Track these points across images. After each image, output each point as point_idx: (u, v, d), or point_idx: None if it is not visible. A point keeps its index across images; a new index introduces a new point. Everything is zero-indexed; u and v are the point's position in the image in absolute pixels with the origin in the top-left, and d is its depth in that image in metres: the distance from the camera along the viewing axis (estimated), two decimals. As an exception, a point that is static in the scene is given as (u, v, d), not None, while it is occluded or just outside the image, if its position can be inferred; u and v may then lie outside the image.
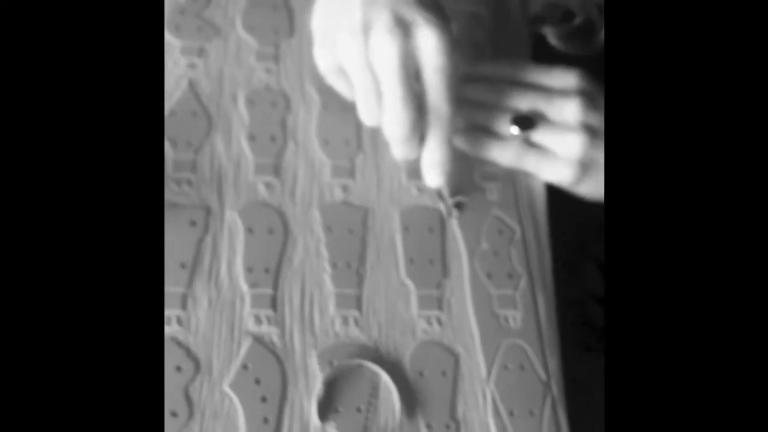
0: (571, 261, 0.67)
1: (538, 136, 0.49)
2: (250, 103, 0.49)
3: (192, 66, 0.50)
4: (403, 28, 0.42)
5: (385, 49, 0.42)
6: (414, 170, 0.48)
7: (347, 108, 0.50)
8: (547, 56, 0.53)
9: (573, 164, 0.48)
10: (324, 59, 0.47)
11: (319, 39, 0.47)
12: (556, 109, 0.49)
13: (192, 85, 0.49)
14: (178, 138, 0.47)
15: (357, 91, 0.45)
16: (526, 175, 0.50)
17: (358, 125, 0.50)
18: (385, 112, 0.44)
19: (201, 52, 0.50)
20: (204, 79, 0.49)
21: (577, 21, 0.46)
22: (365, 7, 0.43)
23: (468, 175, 0.49)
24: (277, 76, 0.51)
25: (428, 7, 0.43)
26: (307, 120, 0.49)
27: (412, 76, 0.43)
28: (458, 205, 0.48)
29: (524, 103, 0.49)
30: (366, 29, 0.42)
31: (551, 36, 0.48)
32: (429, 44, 0.42)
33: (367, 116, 0.46)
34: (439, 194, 0.48)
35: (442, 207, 0.48)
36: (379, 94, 0.43)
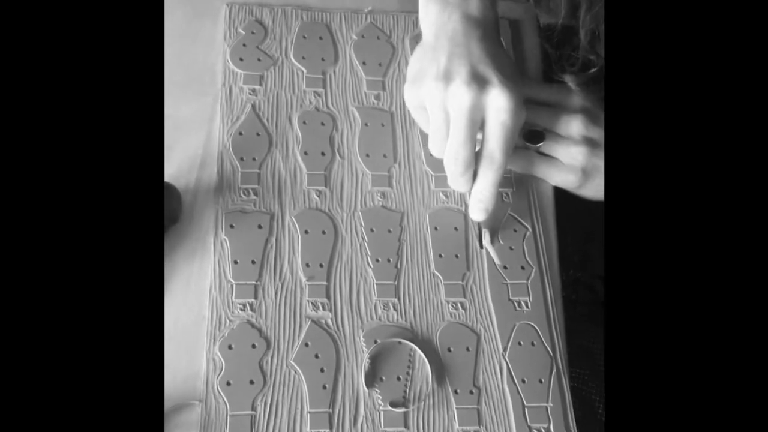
0: (581, 248, 0.75)
1: (547, 147, 0.57)
2: (303, 123, 0.58)
3: (253, 92, 0.59)
4: (479, 83, 0.49)
5: (460, 98, 0.49)
6: (440, 178, 0.57)
7: (384, 125, 0.59)
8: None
9: (577, 171, 0.56)
10: (410, 96, 0.53)
11: (410, 80, 0.53)
12: (563, 125, 0.57)
13: (254, 109, 0.58)
14: (245, 155, 0.56)
15: (431, 126, 0.52)
16: (537, 181, 0.59)
17: (394, 141, 0.59)
18: (448, 149, 0.51)
19: (261, 80, 0.59)
20: (264, 104, 0.59)
21: (594, 70, 0.53)
22: (450, 59, 0.50)
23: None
24: (325, 99, 0.60)
25: (503, 68, 0.50)
26: (350, 137, 0.58)
27: (478, 124, 0.50)
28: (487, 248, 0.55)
29: (536, 119, 0.57)
30: (447, 78, 0.49)
31: (571, 82, 0.55)
32: (497, 102, 0.49)
33: (434, 148, 0.54)
34: (478, 227, 0.56)
35: (476, 237, 0.56)
36: (447, 133, 0.51)
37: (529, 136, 0.57)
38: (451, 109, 0.50)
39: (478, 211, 0.53)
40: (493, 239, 0.55)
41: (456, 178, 0.53)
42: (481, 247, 0.55)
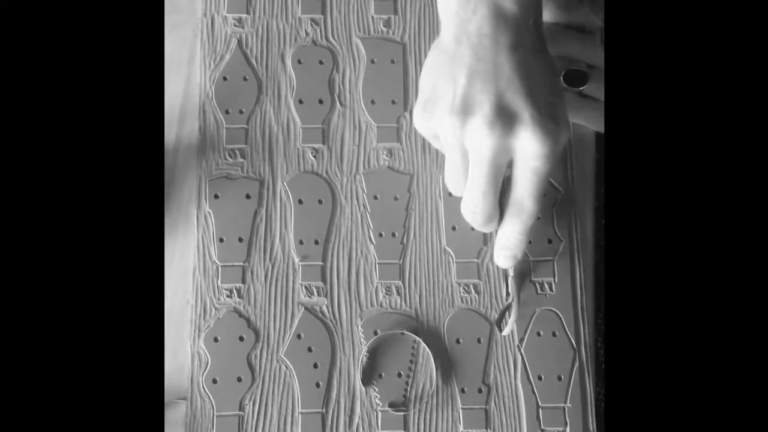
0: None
1: (590, 89, 0.47)
2: (297, 62, 0.49)
3: (239, 23, 0.50)
4: (505, 120, 0.39)
5: (481, 141, 0.39)
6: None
7: (395, 61, 0.50)
8: None
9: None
10: (421, 123, 0.42)
11: (421, 102, 0.42)
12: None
13: (241, 46, 0.49)
14: (231, 106, 0.48)
15: (446, 163, 0.43)
16: (576, 128, 0.49)
17: (406, 82, 0.49)
18: (465, 198, 0.43)
19: (248, 6, 0.50)
20: (252, 38, 0.49)
21: None
22: (470, 82, 0.39)
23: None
24: (324, 28, 0.50)
25: (538, 95, 0.39)
26: (353, 78, 0.49)
27: (503, 169, 0.41)
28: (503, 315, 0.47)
29: (565, 48, 0.47)
30: (465, 111, 0.39)
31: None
32: (528, 148, 0.39)
33: (451, 188, 0.45)
34: (504, 274, 0.47)
35: (504, 287, 0.47)
36: (466, 172, 0.42)
37: (570, 78, 0.47)
38: (470, 150, 0.40)
39: (504, 259, 0.44)
40: (521, 287, 0.47)
41: (476, 227, 0.44)
42: (507, 294, 0.47)
